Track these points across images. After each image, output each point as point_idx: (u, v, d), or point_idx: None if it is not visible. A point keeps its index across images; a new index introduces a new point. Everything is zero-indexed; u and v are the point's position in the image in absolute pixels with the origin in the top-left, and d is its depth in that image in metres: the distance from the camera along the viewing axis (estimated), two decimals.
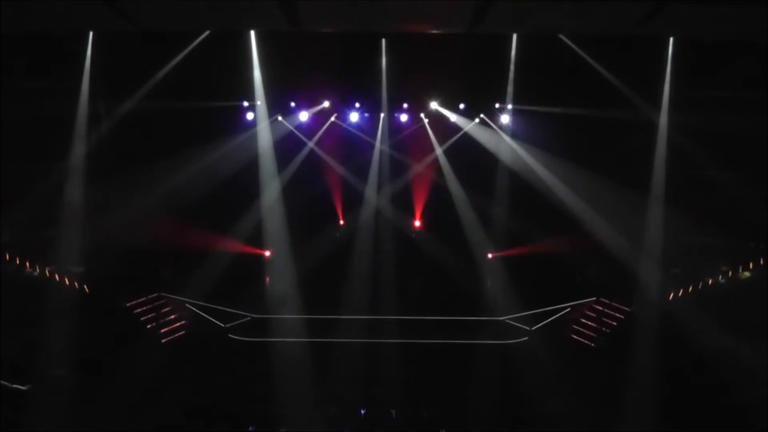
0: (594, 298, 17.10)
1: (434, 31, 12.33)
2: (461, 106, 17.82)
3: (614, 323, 16.38)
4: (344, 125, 18.11)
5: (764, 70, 14.19)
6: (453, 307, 16.93)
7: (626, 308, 16.40)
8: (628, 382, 13.46)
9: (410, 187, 18.61)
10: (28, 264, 16.04)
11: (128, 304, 16.31)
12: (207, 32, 14.78)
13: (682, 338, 14.06)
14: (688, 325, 14.20)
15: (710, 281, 16.28)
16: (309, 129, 18.06)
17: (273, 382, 13.87)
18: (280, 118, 17.62)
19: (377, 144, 18.08)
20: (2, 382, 12.65)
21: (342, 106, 17.89)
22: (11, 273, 15.64)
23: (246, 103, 17.10)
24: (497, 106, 17.58)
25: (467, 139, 18.00)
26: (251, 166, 17.04)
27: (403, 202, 18.58)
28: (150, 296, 16.75)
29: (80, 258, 15.90)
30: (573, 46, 15.10)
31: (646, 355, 14.00)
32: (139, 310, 16.38)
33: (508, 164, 17.60)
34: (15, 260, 15.91)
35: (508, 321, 16.65)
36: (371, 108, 17.91)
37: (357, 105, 17.88)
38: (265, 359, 14.82)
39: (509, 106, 17.28)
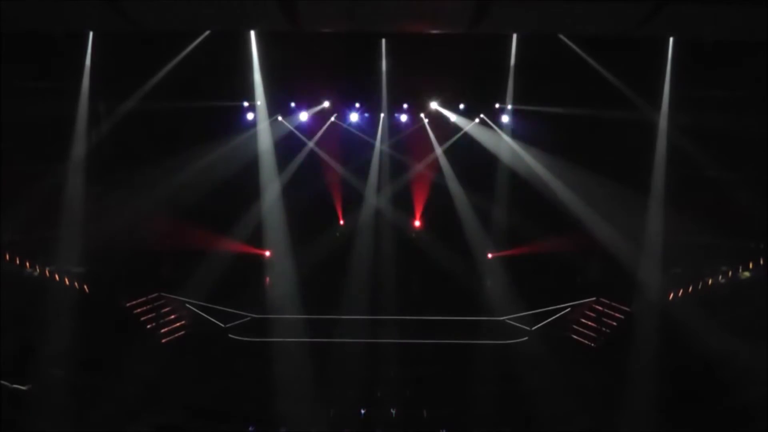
0: (594, 298, 17.09)
1: (434, 31, 12.31)
2: (461, 106, 17.83)
3: (614, 323, 16.38)
4: (344, 125, 18.12)
5: (764, 70, 14.19)
6: (453, 307, 16.92)
7: (626, 308, 16.39)
8: (628, 382, 13.45)
9: (410, 187, 18.63)
10: (28, 264, 16.04)
11: (128, 304, 16.30)
12: (207, 32, 14.77)
13: (681, 338, 14.05)
14: (688, 325, 14.19)
15: (710, 281, 16.27)
16: (309, 129, 18.07)
17: (273, 382, 13.86)
18: (280, 118, 17.63)
19: (377, 144, 18.09)
20: (2, 382, 12.65)
21: (342, 106, 17.89)
22: (11, 273, 15.63)
23: (246, 104, 17.11)
24: (497, 106, 17.58)
25: (467, 139, 18.01)
26: (251, 166, 17.03)
27: (403, 202, 18.60)
28: (150, 296, 16.74)
29: (80, 258, 15.89)
30: (573, 46, 15.10)
31: (646, 355, 13.99)
32: (139, 310, 16.37)
33: (508, 164, 17.60)
34: (15, 260, 15.91)
35: (508, 321, 16.64)
36: (371, 108, 17.91)
37: (357, 105, 17.88)
38: (265, 359, 14.81)
39: (509, 106, 17.27)
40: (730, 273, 16.31)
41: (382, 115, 17.80)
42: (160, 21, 10.83)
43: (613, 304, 16.69)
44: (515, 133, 17.50)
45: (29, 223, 15.37)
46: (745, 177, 15.35)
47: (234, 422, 13.22)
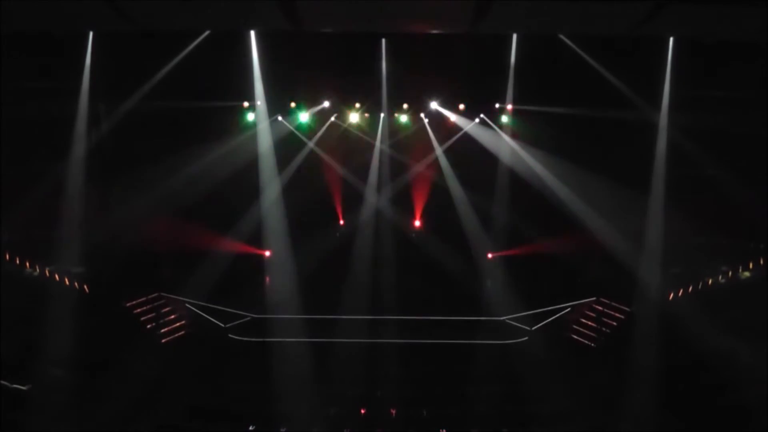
0: (594, 298, 17.09)
1: (434, 31, 12.32)
2: (461, 106, 17.82)
3: (614, 323, 16.38)
4: (344, 125, 18.12)
5: (764, 70, 14.19)
6: (453, 307, 16.91)
7: (626, 308, 16.39)
8: (628, 382, 13.45)
9: (410, 187, 18.63)
10: (28, 264, 16.05)
11: (128, 304, 16.30)
12: (207, 32, 14.77)
13: (681, 338, 14.06)
14: (688, 325, 14.19)
15: (710, 281, 16.28)
16: (309, 129, 18.07)
17: (273, 382, 13.87)
18: (280, 118, 17.63)
19: (377, 144, 18.08)
20: (2, 382, 12.65)
21: (342, 106, 17.89)
22: (11, 273, 15.63)
23: (246, 103, 17.10)
24: (497, 106, 17.58)
25: (467, 139, 18.01)
26: (251, 166, 17.03)
27: (403, 202, 18.59)
28: (150, 296, 16.74)
29: (80, 258, 15.88)
30: (573, 46, 15.10)
31: (646, 355, 13.99)
32: (139, 310, 16.37)
33: (508, 164, 17.60)
34: (15, 260, 15.91)
35: (508, 321, 16.64)
36: (371, 108, 17.90)
37: (357, 105, 17.88)
38: (265, 359, 14.81)
39: (509, 106, 17.27)
40: (730, 273, 16.31)
41: (382, 115, 17.80)
42: (160, 21, 10.83)
43: (613, 304, 16.69)
44: (515, 133, 17.50)
45: (29, 223, 15.37)
46: (745, 177, 15.33)
47: (234, 422, 13.22)
